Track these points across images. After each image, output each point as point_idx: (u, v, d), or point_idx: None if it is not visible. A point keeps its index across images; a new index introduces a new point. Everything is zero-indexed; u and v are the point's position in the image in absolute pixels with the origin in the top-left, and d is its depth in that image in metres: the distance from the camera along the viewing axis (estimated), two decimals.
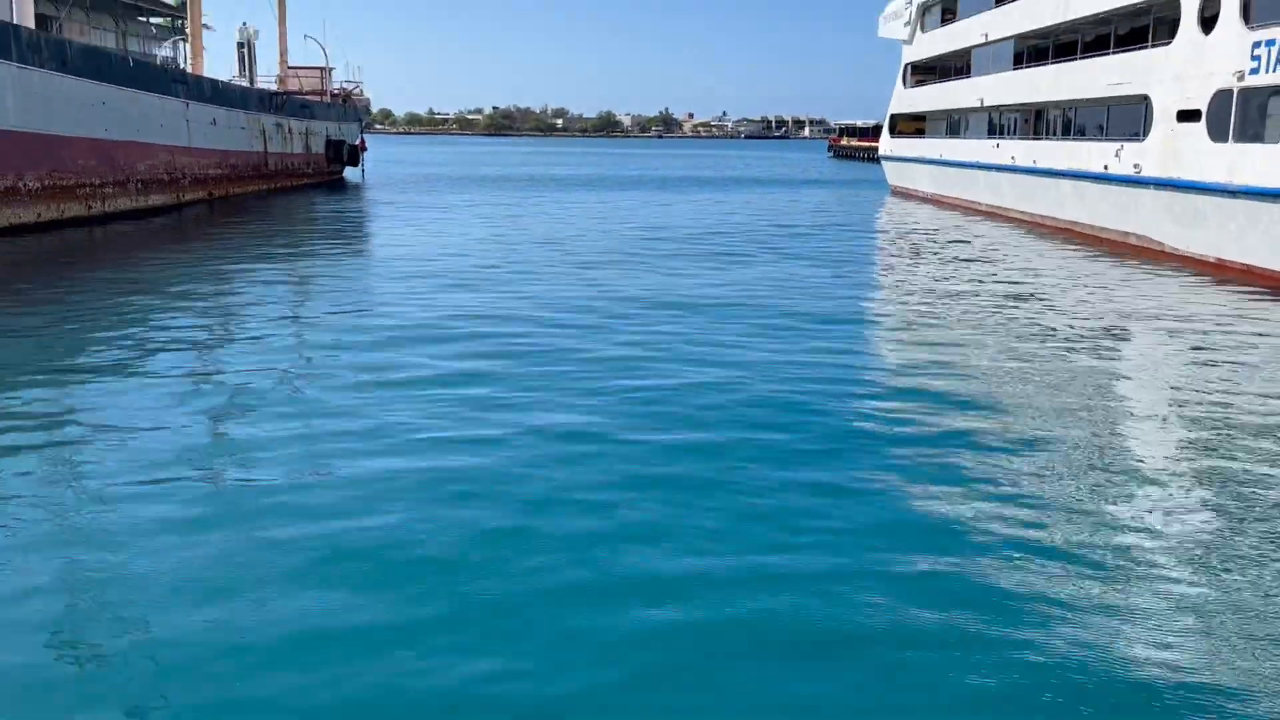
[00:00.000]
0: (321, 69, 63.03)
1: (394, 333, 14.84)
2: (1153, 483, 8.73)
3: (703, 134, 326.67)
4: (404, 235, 29.33)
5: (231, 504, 8.05)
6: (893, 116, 55.63)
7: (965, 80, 43.81)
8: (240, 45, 53.91)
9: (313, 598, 6.46)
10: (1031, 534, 7.58)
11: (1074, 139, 32.44)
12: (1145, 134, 26.79)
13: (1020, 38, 37.29)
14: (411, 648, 5.89)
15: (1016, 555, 7.19)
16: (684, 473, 8.87)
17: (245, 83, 52.24)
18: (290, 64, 61.51)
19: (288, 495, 8.22)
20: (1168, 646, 5.95)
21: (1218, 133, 23.27)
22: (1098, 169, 29.49)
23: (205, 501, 8.10)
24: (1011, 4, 37.85)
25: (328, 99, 62.17)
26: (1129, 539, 7.50)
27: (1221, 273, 22.58)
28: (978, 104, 41.59)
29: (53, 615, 6.21)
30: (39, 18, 34.03)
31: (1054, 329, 15.90)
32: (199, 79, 43.09)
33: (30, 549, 7.11)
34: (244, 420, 10.32)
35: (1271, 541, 7.46)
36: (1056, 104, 34.06)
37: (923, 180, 50.36)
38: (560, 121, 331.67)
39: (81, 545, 7.17)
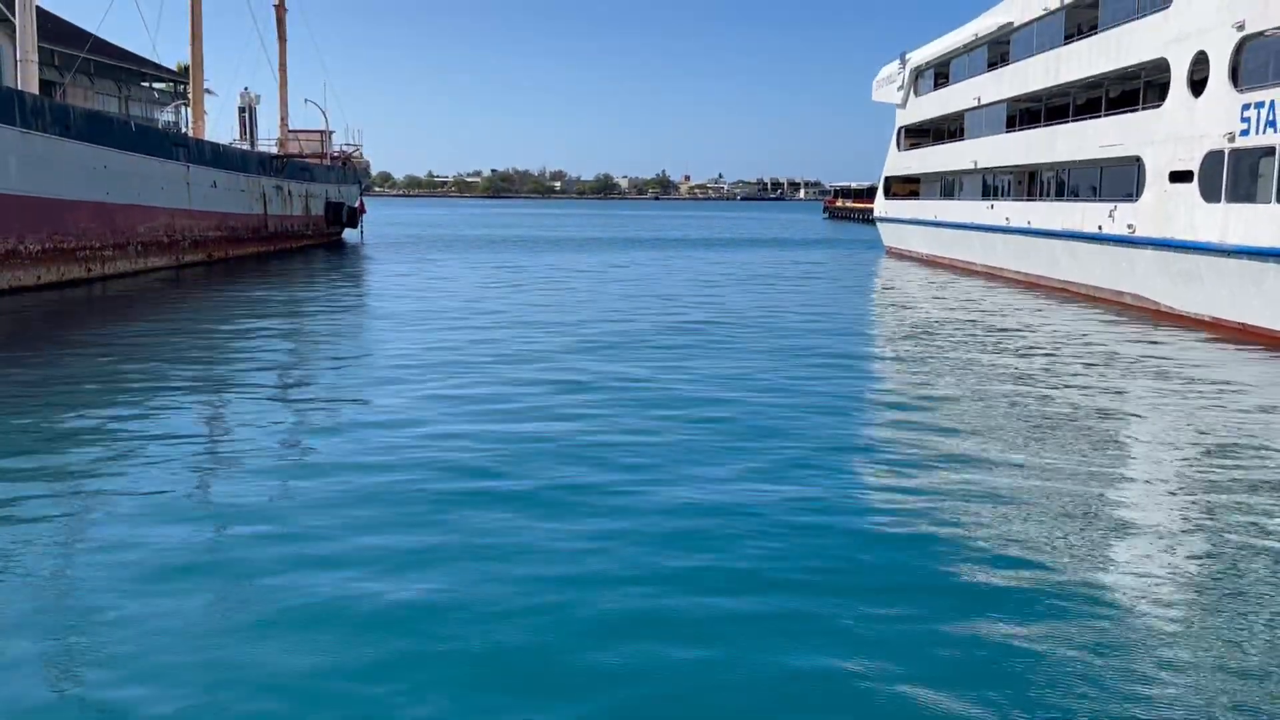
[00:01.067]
0: (321, 132, 63.78)
1: (384, 411, 14.76)
2: (1147, 534, 8.65)
3: (699, 196, 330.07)
4: (398, 304, 29.31)
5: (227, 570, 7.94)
6: (887, 179, 56.19)
7: (958, 143, 44.34)
8: (242, 110, 54.71)
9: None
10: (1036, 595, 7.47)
11: (1068, 200, 32.72)
12: (1138, 195, 27.02)
13: (1013, 101, 37.82)
14: None
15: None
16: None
17: (246, 146, 52.82)
18: (291, 127, 62.28)
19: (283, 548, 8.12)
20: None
21: (1210, 193, 23.48)
22: (1092, 229, 29.70)
23: (199, 551, 7.99)
24: (1003, 68, 38.47)
25: (327, 162, 62.80)
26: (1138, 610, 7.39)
27: (1217, 331, 22.61)
28: (971, 166, 42.03)
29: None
30: (43, 83, 34.45)
31: (1049, 388, 15.82)
32: (200, 143, 43.54)
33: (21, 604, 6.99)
34: (237, 485, 10.22)
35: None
36: (1049, 165, 34.42)
37: (918, 241, 50.70)
38: (558, 184, 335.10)
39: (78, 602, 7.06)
